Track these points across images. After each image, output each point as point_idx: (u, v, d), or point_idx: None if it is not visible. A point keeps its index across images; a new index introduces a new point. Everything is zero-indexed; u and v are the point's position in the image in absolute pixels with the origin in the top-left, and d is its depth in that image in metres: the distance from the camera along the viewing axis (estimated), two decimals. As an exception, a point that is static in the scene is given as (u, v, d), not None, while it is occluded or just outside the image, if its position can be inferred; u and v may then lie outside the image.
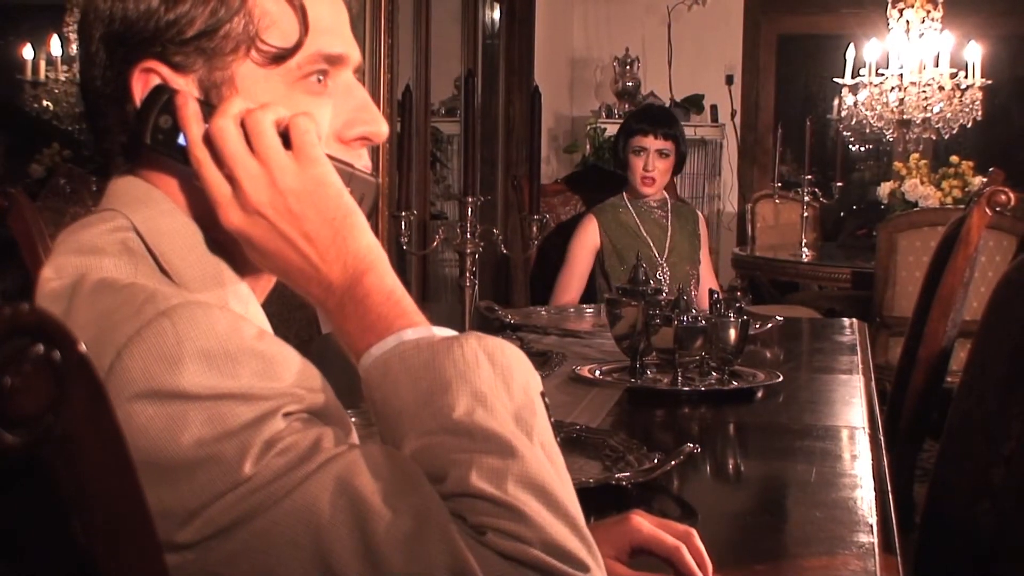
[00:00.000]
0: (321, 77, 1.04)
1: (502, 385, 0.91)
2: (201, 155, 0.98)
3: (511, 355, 0.94)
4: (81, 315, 0.91)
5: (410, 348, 0.93)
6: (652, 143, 3.62)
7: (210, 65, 1.01)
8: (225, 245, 1.03)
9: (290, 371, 0.90)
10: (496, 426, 0.89)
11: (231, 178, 0.97)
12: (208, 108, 0.99)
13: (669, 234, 3.69)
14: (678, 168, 3.72)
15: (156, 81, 1.00)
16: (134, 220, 1.01)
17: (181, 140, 1.00)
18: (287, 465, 0.86)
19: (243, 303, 1.03)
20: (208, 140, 0.98)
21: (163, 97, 0.99)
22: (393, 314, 0.96)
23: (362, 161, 1.07)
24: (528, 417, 0.91)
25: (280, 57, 1.02)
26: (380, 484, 0.86)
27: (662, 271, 3.58)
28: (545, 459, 0.90)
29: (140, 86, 1.01)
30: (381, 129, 1.07)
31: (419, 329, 0.95)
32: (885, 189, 5.56)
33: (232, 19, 1.00)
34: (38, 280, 0.97)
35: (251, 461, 0.85)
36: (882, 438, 1.93)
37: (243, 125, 0.98)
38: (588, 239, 3.68)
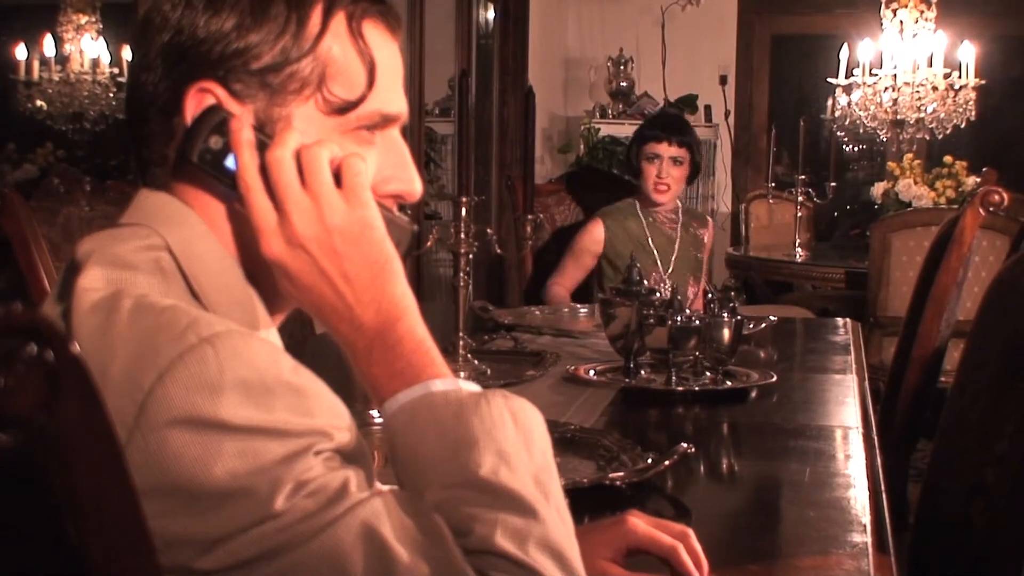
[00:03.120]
0: (372, 130, 1.05)
1: (524, 446, 0.93)
2: (252, 181, 0.98)
3: (532, 417, 0.96)
4: (121, 332, 0.90)
5: (439, 399, 0.95)
6: (666, 150, 3.55)
7: (270, 100, 1.00)
8: (251, 273, 1.03)
9: (322, 408, 0.90)
10: (519, 487, 0.91)
11: (279, 209, 0.98)
12: (260, 138, 0.99)
13: (676, 247, 3.63)
14: (692, 177, 3.65)
15: (211, 101, 1.00)
16: (168, 239, 1.00)
17: (229, 163, 0.99)
18: (316, 506, 0.86)
19: (266, 332, 1.03)
20: (261, 168, 0.98)
21: (217, 118, 0.99)
22: (422, 363, 0.97)
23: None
24: (547, 480, 0.93)
25: (343, 109, 1.02)
26: (406, 534, 0.87)
27: (664, 287, 3.47)
28: (561, 523, 0.92)
29: (194, 104, 1.00)
30: (415, 188, 1.08)
31: (447, 381, 0.96)
32: (879, 189, 5.57)
33: (301, 60, 1.00)
34: (76, 291, 0.95)
35: (282, 498, 0.85)
36: (876, 438, 1.94)
37: (298, 158, 0.98)
38: (591, 241, 3.65)
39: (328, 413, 0.90)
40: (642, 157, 3.60)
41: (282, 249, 0.98)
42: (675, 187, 3.60)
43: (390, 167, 1.06)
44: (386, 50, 1.05)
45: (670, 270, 3.61)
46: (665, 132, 3.59)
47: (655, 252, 3.61)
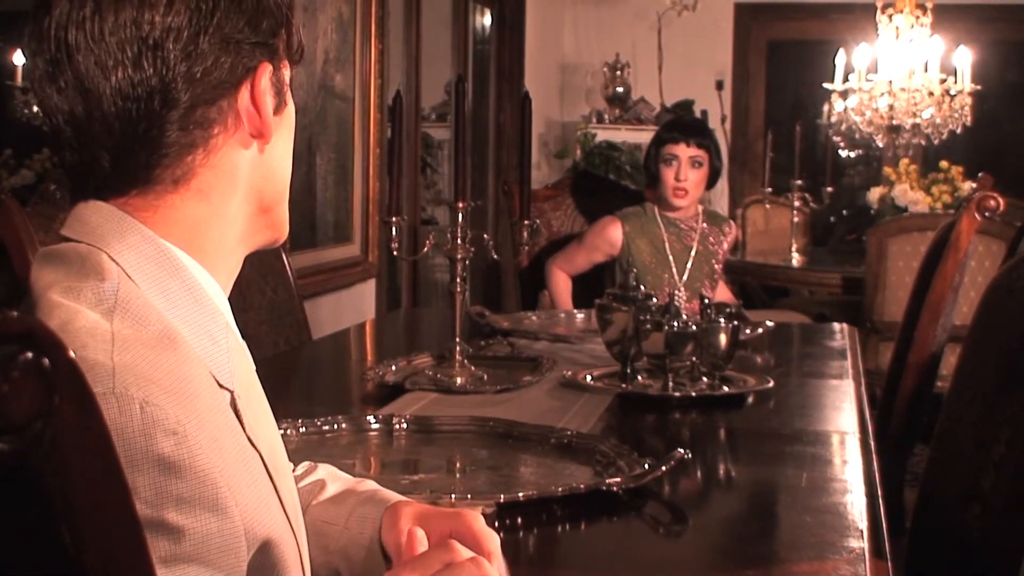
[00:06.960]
0: None
1: None
2: None
3: None
4: None
5: None
6: (684, 151, 3.49)
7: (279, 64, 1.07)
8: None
9: (185, 487, 0.87)
10: None
11: None
12: None
13: (693, 254, 3.58)
14: (712, 182, 3.58)
15: (268, 73, 1.05)
16: (116, 257, 0.96)
17: None
18: None
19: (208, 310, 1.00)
20: None
21: None
22: None
23: None
24: None
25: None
26: None
27: (678, 296, 3.37)
28: None
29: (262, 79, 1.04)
30: None
31: None
32: (875, 194, 5.58)
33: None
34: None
35: None
36: (872, 443, 1.94)
37: None
38: (606, 242, 3.59)
39: (191, 495, 0.87)
40: (660, 160, 3.53)
41: None
42: (694, 192, 3.53)
43: None
44: None
45: (685, 277, 3.55)
46: (683, 133, 3.53)
47: (671, 259, 3.55)
